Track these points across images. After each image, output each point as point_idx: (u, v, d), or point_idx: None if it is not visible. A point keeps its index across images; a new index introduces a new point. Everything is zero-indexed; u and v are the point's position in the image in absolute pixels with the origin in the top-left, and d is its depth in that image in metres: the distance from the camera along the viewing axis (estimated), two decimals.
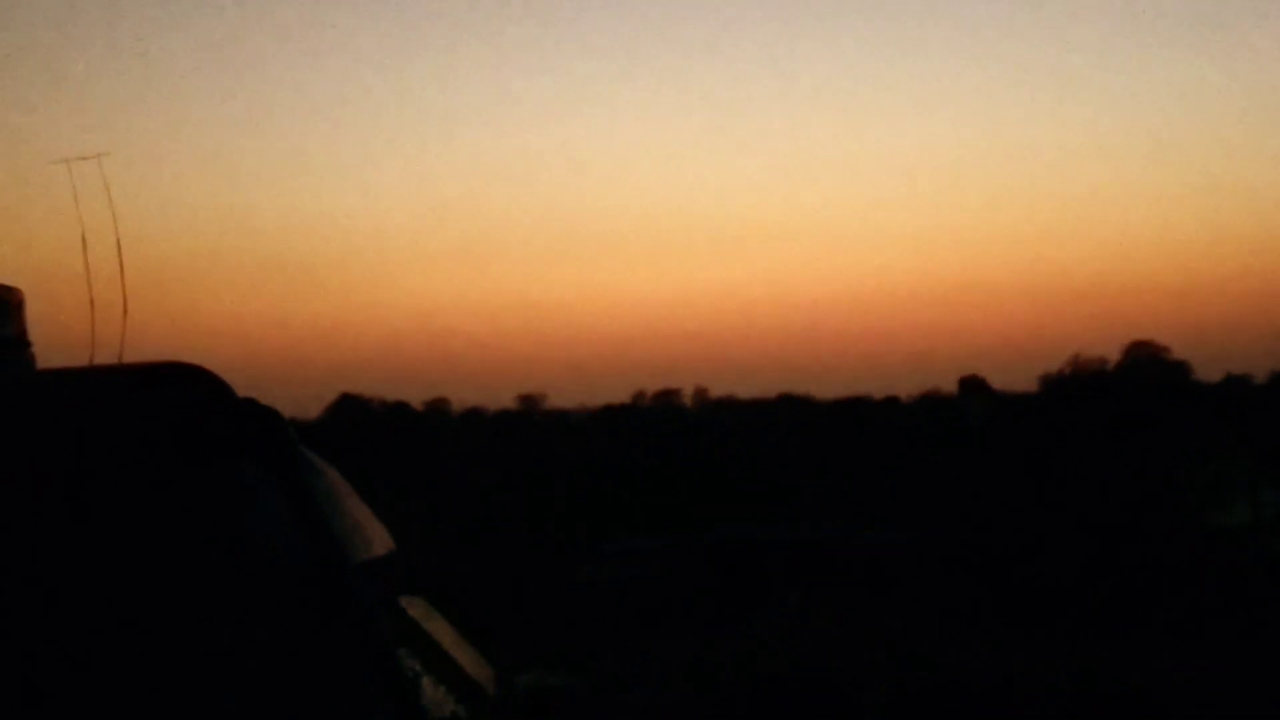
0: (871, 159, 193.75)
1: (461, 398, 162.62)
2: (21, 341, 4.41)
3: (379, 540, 2.68)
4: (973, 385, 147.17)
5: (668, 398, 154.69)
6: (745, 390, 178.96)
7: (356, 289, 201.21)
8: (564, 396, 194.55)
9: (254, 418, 2.59)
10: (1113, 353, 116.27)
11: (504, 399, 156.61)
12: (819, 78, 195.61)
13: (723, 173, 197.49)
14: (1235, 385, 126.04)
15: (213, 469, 2.56)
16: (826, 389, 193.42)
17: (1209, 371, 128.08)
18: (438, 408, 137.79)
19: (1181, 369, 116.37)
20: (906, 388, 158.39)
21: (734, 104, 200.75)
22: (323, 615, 2.47)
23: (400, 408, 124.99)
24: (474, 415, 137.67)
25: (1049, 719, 38.94)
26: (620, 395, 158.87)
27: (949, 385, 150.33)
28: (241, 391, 2.63)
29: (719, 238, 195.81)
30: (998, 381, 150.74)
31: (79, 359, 4.26)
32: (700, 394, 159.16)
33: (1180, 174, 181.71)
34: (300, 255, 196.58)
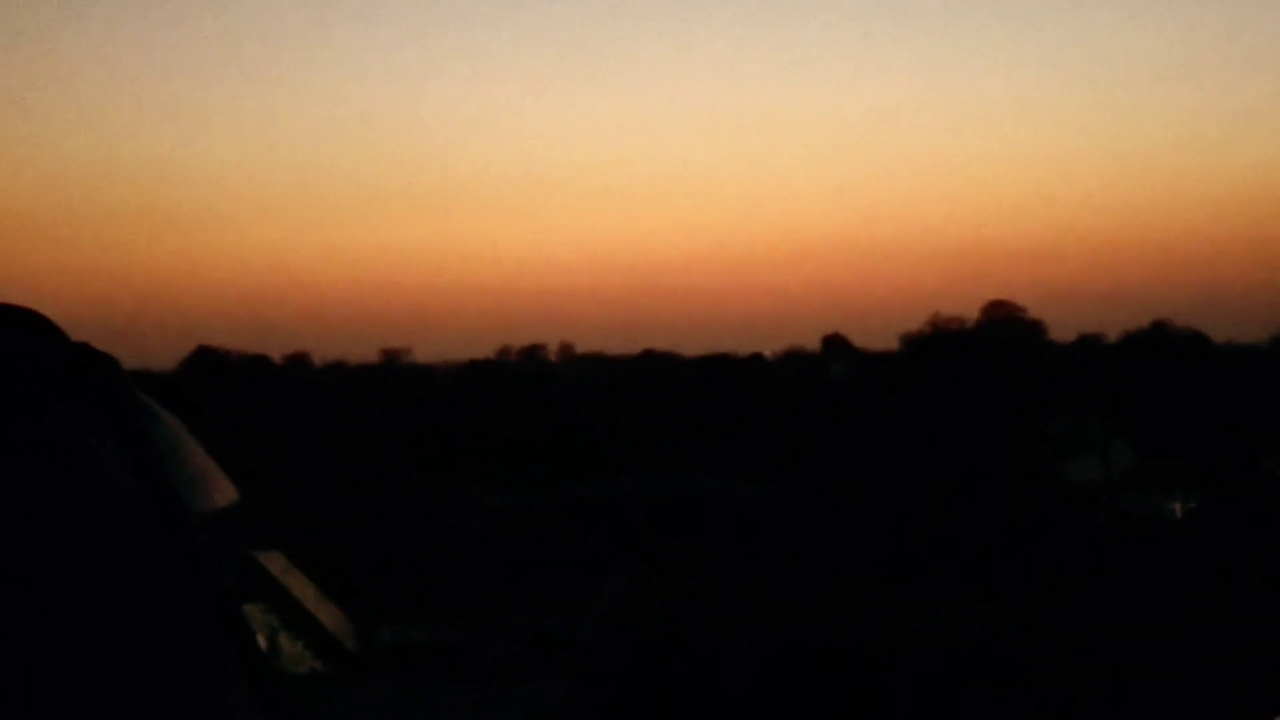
0: (735, 118, 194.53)
1: (323, 351, 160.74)
2: None
3: (222, 492, 2.39)
4: (835, 343, 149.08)
5: (533, 353, 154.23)
6: (611, 346, 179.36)
7: (214, 241, 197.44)
8: (428, 351, 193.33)
9: (87, 363, 2.27)
10: (971, 312, 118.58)
11: (367, 353, 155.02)
12: (682, 37, 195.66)
13: (588, 129, 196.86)
14: (1088, 345, 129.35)
15: (41, 415, 2.24)
16: (691, 346, 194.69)
17: (1063, 331, 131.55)
18: (298, 361, 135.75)
19: (1037, 328, 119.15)
20: (771, 345, 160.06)
21: (597, 62, 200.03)
22: (162, 567, 2.17)
23: (259, 361, 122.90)
24: (336, 369, 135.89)
25: (913, 669, 39.61)
26: (485, 350, 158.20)
27: (812, 343, 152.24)
28: (97, 345, 2.33)
29: (585, 194, 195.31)
30: (860, 340, 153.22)
31: None
32: (566, 349, 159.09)
33: (1038, 138, 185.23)
34: (158, 207, 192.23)
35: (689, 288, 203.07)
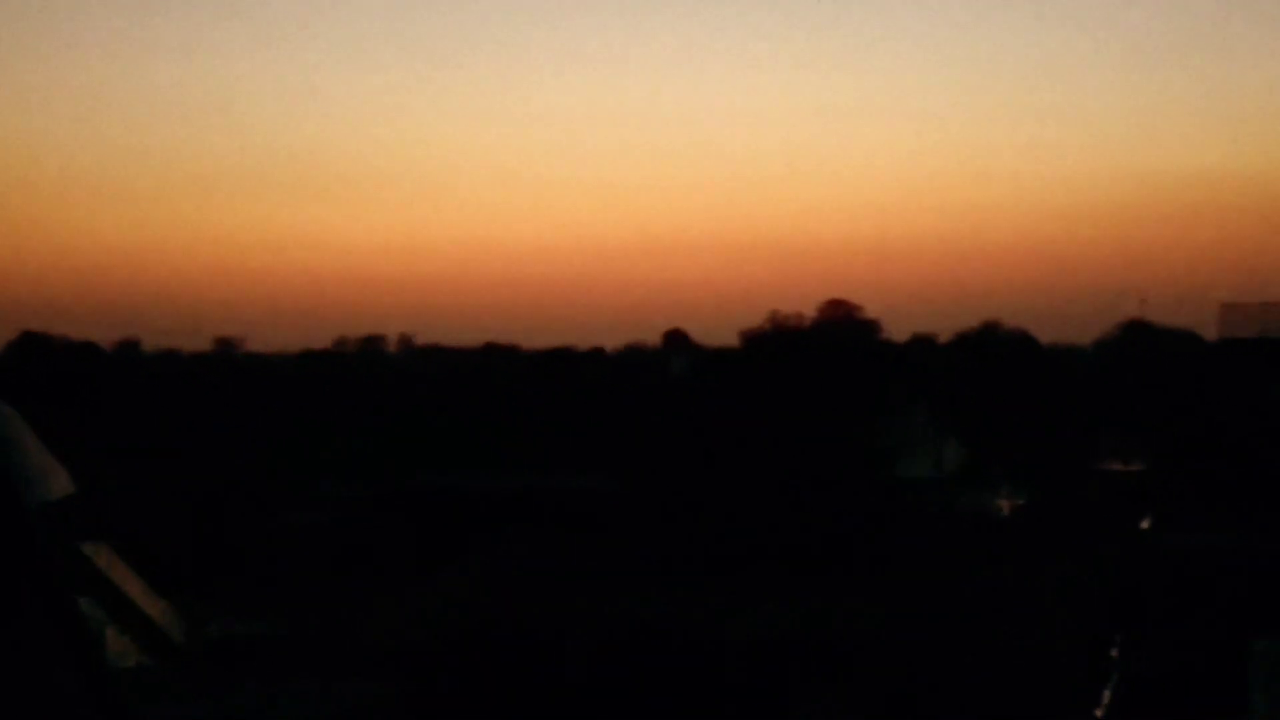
0: (578, 111, 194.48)
1: (153, 339, 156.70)
2: None
3: (58, 483, 2.32)
4: (676, 339, 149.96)
5: (372, 344, 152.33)
6: (451, 338, 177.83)
7: (39, 224, 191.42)
8: (263, 340, 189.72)
9: None
10: (809, 310, 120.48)
11: (199, 341, 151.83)
12: (529, 26, 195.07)
13: (429, 117, 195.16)
14: (921, 345, 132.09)
15: None
16: (533, 339, 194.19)
17: (898, 331, 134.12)
18: (128, 348, 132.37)
19: (873, 328, 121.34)
20: (612, 340, 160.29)
21: (439, 49, 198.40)
22: None
23: (88, 347, 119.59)
24: (168, 357, 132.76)
25: (747, 660, 40.03)
26: (322, 340, 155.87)
27: (653, 338, 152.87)
28: None
29: (427, 183, 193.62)
30: (700, 336, 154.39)
31: None
32: (405, 341, 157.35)
33: (876, 140, 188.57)
34: None
35: (531, 280, 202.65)
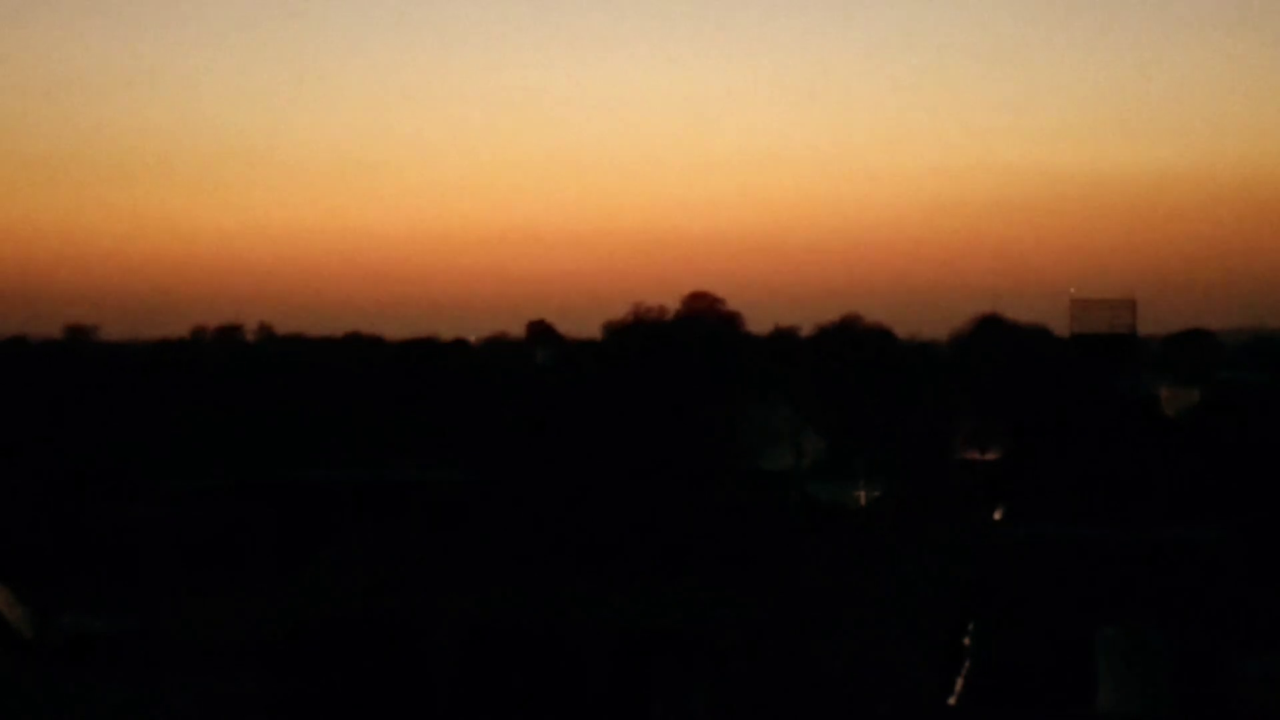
0: (446, 97, 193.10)
1: (1, 326, 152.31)
2: None
3: None
4: (540, 330, 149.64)
5: (230, 333, 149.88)
6: (312, 328, 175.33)
7: None
8: (117, 328, 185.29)
9: None
10: (672, 302, 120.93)
11: (50, 328, 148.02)
12: (384, 9, 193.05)
13: (289, 99, 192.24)
14: (783, 338, 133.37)
15: None
16: (396, 329, 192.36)
17: (760, 324, 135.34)
18: None
19: (735, 320, 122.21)
20: (476, 330, 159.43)
21: (297, 34, 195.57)
22: None
23: None
24: (16, 344, 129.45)
25: (607, 652, 40.10)
26: (179, 329, 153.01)
27: (517, 329, 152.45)
28: None
29: (289, 170, 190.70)
30: (564, 327, 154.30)
31: None
32: (264, 330, 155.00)
33: (740, 134, 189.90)
34: None
35: (395, 270, 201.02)
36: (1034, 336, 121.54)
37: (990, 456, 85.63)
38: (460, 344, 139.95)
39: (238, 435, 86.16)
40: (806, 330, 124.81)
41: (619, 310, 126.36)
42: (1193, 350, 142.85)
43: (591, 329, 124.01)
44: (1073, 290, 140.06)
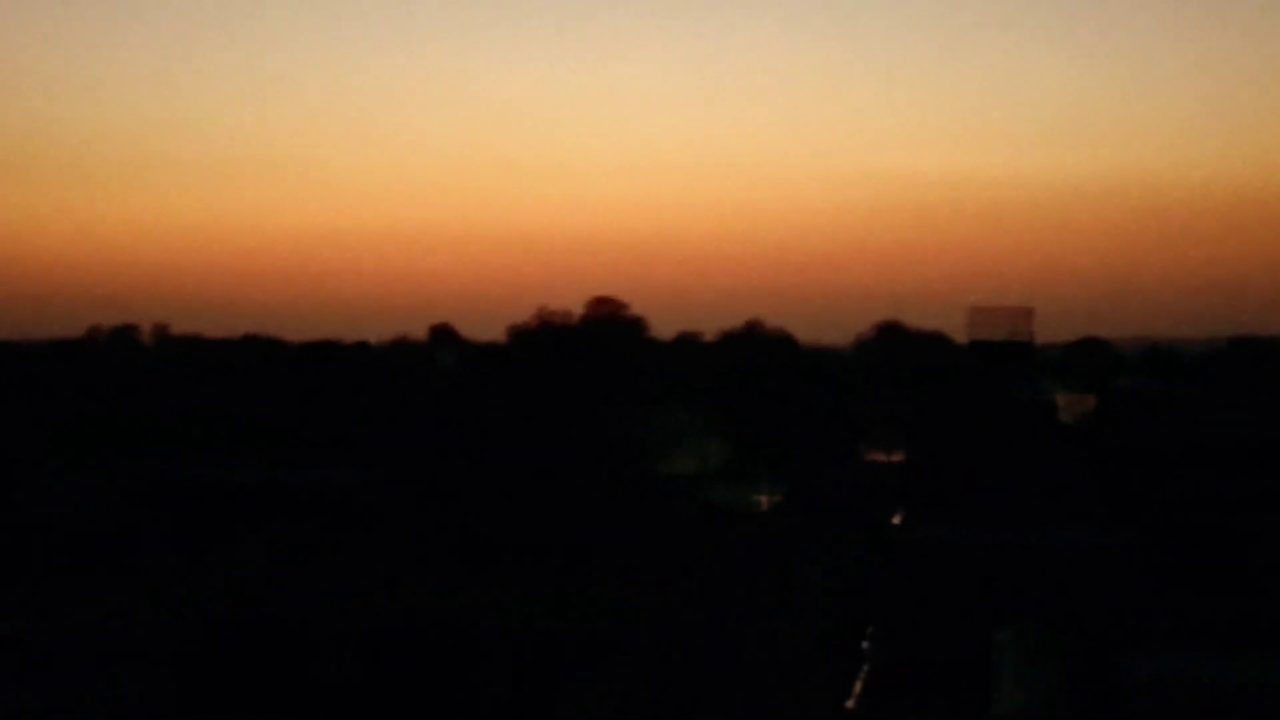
0: (343, 99, 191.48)
1: None
2: None
3: None
4: (443, 333, 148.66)
5: (125, 333, 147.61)
6: (210, 329, 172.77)
7: None
8: (9, 327, 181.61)
9: None
10: (577, 306, 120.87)
11: None
12: (282, 10, 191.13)
13: (189, 97, 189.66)
14: (687, 343, 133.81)
15: None
16: (296, 331, 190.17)
17: (664, 329, 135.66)
18: None
19: (639, 325, 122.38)
20: (378, 333, 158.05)
21: (205, 28, 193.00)
22: None
23: None
24: None
25: (505, 655, 39.86)
26: (73, 329, 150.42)
27: (420, 332, 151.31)
28: None
29: (188, 169, 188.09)
30: (468, 330, 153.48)
31: None
32: (160, 330, 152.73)
33: (645, 137, 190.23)
34: None
35: (295, 272, 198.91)
36: (933, 343, 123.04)
37: (896, 458, 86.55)
38: (362, 346, 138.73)
39: (133, 435, 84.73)
40: (710, 335, 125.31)
41: (523, 314, 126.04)
42: (1089, 358, 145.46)
43: (495, 332, 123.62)
44: (972, 298, 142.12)
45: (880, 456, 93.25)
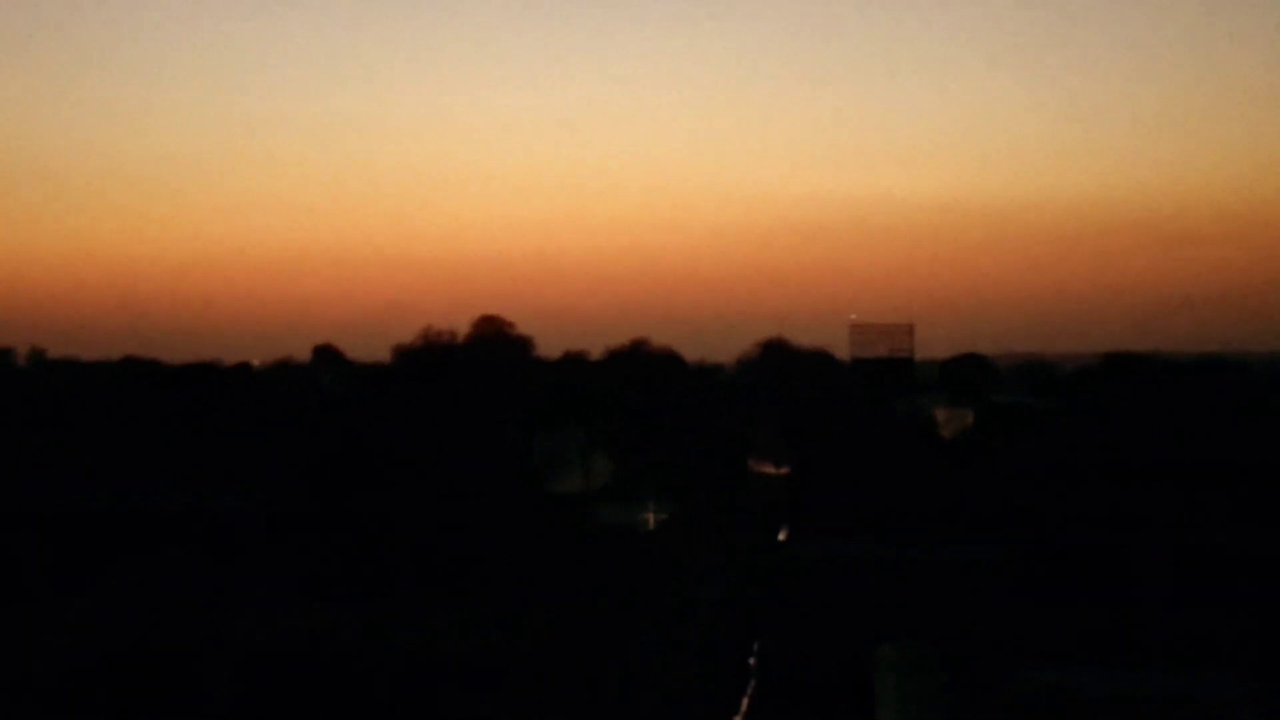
0: (229, 120, 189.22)
1: None
2: None
3: None
4: (326, 354, 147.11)
5: (1, 356, 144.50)
6: (87, 352, 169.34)
7: None
8: None
9: None
10: (462, 326, 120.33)
11: None
12: (175, 34, 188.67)
13: (69, 122, 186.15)
14: (573, 362, 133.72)
15: None
16: (175, 353, 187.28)
17: (550, 347, 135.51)
18: None
19: (525, 344, 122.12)
20: (260, 354, 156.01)
21: (77, 49, 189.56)
22: None
23: None
24: None
25: (398, 680, 39.56)
26: None
27: (303, 353, 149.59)
28: None
29: (62, 189, 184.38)
30: (352, 351, 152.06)
31: None
32: (36, 353, 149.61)
33: (530, 155, 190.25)
34: None
35: (175, 293, 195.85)
36: (817, 360, 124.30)
37: (784, 471, 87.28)
38: (243, 368, 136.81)
39: (6, 460, 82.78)
40: (596, 354, 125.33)
41: (408, 334, 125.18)
42: (968, 374, 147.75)
43: (380, 353, 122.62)
44: (853, 316, 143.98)
45: (769, 469, 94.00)
